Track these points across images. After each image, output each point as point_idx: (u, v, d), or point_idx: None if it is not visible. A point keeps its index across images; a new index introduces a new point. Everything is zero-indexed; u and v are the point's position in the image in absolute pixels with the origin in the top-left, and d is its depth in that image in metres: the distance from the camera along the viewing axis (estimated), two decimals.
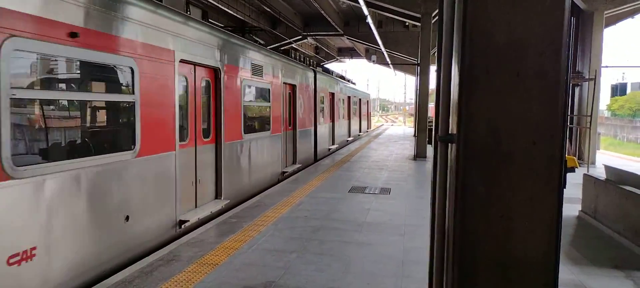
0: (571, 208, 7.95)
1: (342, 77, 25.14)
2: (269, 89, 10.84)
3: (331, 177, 11.76)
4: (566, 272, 5.18)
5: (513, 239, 2.11)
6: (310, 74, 15.40)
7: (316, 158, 16.13)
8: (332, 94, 19.64)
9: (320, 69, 18.38)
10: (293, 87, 13.16)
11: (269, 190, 9.89)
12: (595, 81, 13.90)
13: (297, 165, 13.39)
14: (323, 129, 17.46)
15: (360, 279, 4.93)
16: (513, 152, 2.10)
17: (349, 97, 24.48)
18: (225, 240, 6.17)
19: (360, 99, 29.35)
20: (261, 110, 10.68)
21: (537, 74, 2.09)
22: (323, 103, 17.45)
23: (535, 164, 2.10)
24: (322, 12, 21.27)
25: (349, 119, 24.88)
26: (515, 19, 2.08)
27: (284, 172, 12.15)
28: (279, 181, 11.45)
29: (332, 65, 41.19)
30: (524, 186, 2.10)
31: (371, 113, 41.00)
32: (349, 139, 24.50)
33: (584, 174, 7.90)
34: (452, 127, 2.30)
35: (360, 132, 29.30)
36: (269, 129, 10.86)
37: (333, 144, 20.09)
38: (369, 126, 37.22)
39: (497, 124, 2.10)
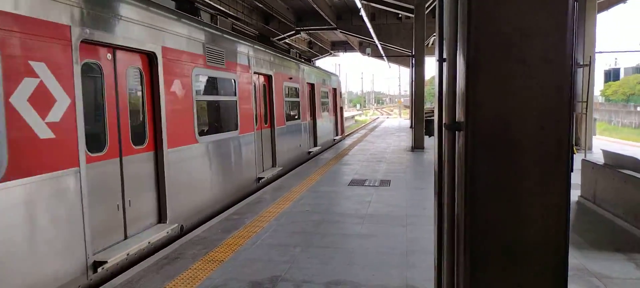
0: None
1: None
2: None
3: (330, 171, 11.78)
4: (569, 256, 5.22)
5: (523, 224, 2.13)
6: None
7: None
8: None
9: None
10: None
11: (267, 187, 9.92)
12: (589, 67, 13.96)
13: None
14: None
15: (365, 270, 4.96)
16: (521, 138, 2.11)
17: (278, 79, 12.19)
18: (228, 237, 6.18)
19: (312, 85, 16.15)
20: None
21: (542, 60, 2.11)
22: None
23: (543, 149, 2.12)
24: (315, 6, 21.21)
25: (269, 124, 11.67)
26: (520, 5, 2.09)
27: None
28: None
29: (325, 60, 40.06)
30: (532, 171, 2.12)
31: (340, 107, 22.63)
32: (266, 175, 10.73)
33: (582, 159, 7.95)
34: (459, 115, 2.32)
35: (314, 145, 16.31)
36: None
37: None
38: (339, 131, 21.86)
39: (504, 110, 2.12)
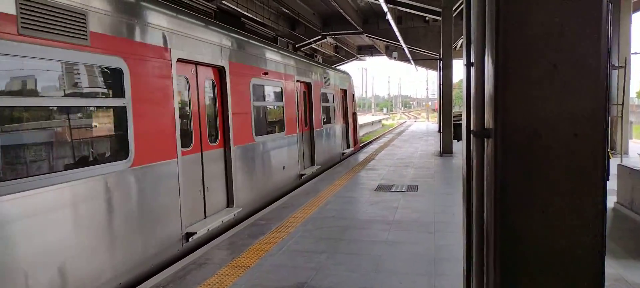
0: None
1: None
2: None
3: (357, 177, 11.72)
4: (605, 266, 5.03)
5: (557, 235, 2.05)
6: None
7: None
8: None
9: None
10: None
11: (295, 191, 9.92)
12: (625, 69, 13.49)
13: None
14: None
15: (393, 278, 4.89)
16: (553, 146, 2.03)
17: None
18: (255, 243, 6.20)
19: (307, 85, 12.62)
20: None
21: (575, 63, 2.02)
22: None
23: (577, 157, 2.03)
24: (341, 11, 21.22)
25: (221, 142, 7.63)
26: (551, 6, 2.02)
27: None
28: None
29: (351, 64, 39.76)
30: (566, 180, 2.03)
31: (353, 112, 18.37)
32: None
33: (619, 165, 7.67)
34: (488, 121, 2.25)
35: (312, 164, 12.84)
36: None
37: None
38: (351, 142, 17.64)
39: (535, 116, 2.04)
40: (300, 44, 27.38)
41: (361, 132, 41.24)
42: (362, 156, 16.54)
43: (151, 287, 4.79)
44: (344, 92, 16.98)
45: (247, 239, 6.39)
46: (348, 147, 17.16)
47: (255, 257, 5.62)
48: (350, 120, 17.55)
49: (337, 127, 15.72)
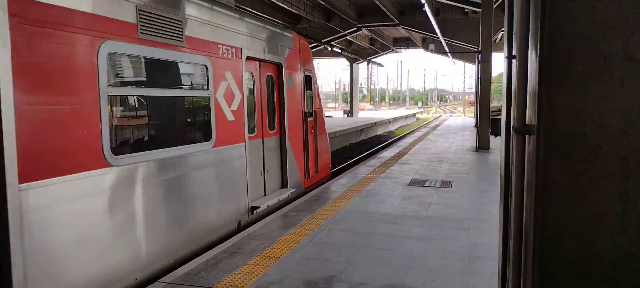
0: None
1: None
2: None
3: (389, 171, 11.60)
4: None
5: (601, 236, 1.93)
6: None
7: None
8: None
9: None
10: None
11: (322, 186, 9.90)
12: None
13: None
14: None
15: (424, 275, 4.80)
16: (600, 144, 1.92)
17: None
18: (286, 234, 6.21)
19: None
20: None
21: (626, 57, 1.90)
22: None
23: (626, 156, 1.91)
24: (377, 2, 20.98)
25: None
26: None
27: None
28: None
29: (386, 57, 39.03)
30: (613, 181, 1.92)
31: (306, 112, 9.54)
32: None
33: None
34: (530, 117, 2.15)
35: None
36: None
37: None
38: (298, 172, 9.08)
39: (582, 113, 1.92)
40: (335, 36, 27.27)
41: (395, 125, 40.86)
42: (395, 150, 16.34)
43: (184, 274, 4.86)
44: (277, 68, 8.46)
45: (278, 230, 6.41)
46: (283, 184, 8.70)
47: (286, 248, 5.63)
48: (286, 128, 8.66)
49: (229, 152, 6.68)
